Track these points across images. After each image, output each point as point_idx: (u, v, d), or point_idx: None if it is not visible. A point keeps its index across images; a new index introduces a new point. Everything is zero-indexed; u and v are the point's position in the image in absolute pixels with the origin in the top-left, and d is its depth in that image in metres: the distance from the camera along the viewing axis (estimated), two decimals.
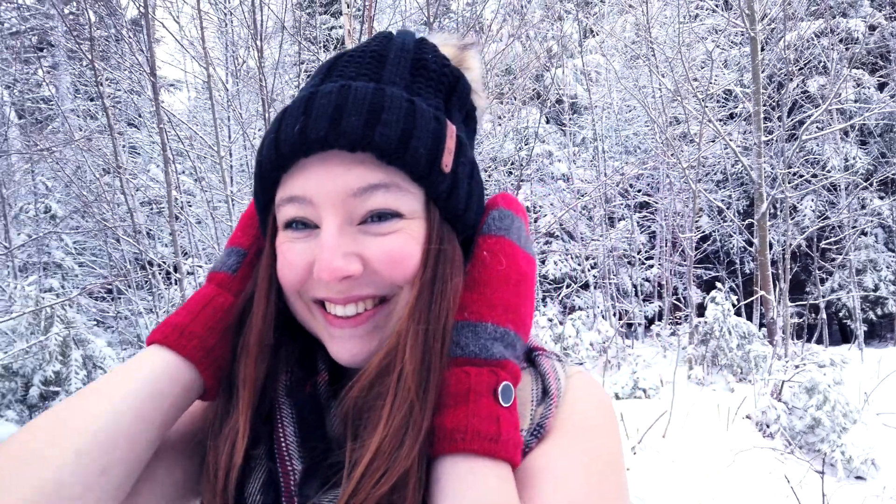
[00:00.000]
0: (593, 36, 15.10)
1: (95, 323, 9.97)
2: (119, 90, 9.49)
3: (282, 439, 0.69)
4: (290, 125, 0.65)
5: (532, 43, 15.27)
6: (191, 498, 0.74)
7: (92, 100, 11.88)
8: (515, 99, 13.16)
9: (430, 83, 0.71)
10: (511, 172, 11.82)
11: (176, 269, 9.55)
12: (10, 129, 11.17)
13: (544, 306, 13.37)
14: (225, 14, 8.19)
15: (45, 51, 13.23)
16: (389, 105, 0.65)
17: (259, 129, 9.81)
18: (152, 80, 6.12)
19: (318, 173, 0.65)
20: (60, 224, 8.57)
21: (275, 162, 0.66)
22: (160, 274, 7.68)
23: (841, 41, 13.10)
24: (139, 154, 10.98)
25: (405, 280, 0.66)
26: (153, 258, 7.21)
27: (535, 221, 13.05)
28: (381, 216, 0.66)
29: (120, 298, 9.16)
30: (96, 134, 9.28)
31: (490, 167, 12.77)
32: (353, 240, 0.65)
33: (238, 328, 0.72)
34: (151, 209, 10.06)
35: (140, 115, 9.77)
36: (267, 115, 6.90)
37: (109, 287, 8.80)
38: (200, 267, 8.47)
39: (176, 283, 9.60)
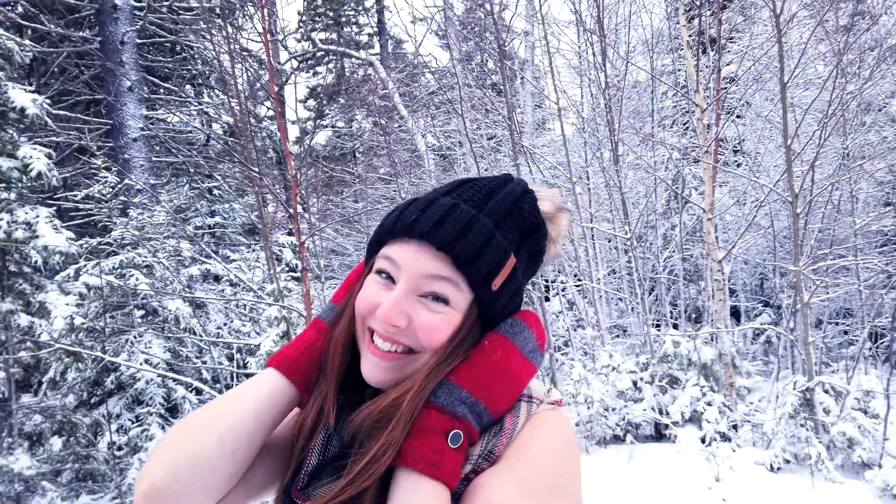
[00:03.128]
0: None
1: None
2: (497, 130, 10.95)
3: (313, 441, 0.96)
4: (411, 214, 0.92)
5: None
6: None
7: (492, 137, 13.89)
8: None
9: (516, 224, 0.95)
10: None
11: (547, 288, 10.45)
12: (430, 172, 13.83)
13: None
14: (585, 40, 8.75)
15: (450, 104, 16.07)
16: (477, 230, 0.90)
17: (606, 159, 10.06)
18: (510, 125, 6.99)
19: (411, 251, 0.90)
20: None
21: (390, 231, 0.94)
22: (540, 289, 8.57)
23: None
24: None
25: (430, 347, 0.90)
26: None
27: None
28: (436, 298, 0.90)
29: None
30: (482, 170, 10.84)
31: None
32: (410, 304, 0.90)
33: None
34: None
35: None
36: (615, 139, 7.15)
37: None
38: (566, 285, 9.14)
39: (547, 300, 10.50)
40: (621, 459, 6.46)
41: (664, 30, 9.93)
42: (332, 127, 23.82)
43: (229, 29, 6.19)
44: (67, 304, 6.05)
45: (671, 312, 10.11)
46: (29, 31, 10.02)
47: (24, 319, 6.31)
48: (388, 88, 15.79)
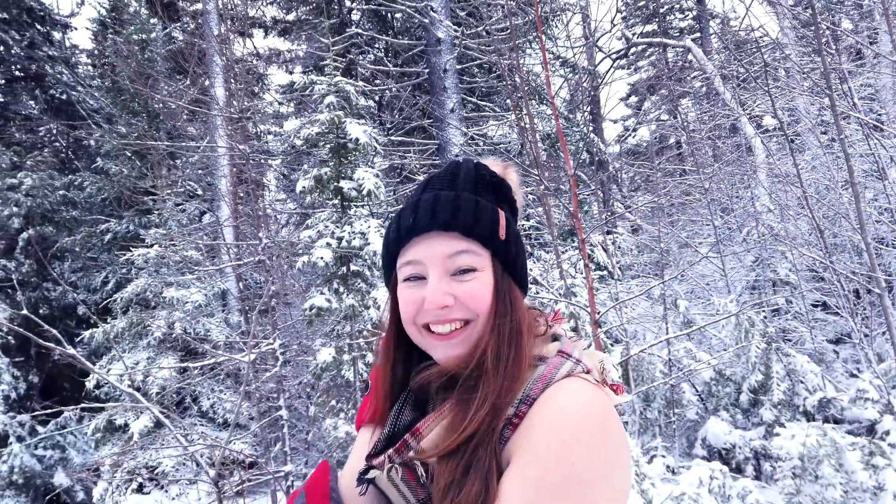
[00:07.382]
0: None
1: (835, 340, 9.83)
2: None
3: (388, 415, 1.10)
4: (406, 219, 1.06)
5: None
6: None
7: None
8: None
9: (486, 188, 1.12)
10: None
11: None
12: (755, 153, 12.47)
13: None
14: None
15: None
16: (464, 204, 1.05)
17: None
18: (829, 94, 5.98)
19: (425, 245, 1.04)
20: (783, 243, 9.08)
21: (399, 241, 1.07)
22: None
23: None
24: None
25: (481, 310, 1.02)
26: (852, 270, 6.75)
27: None
28: (465, 270, 1.03)
29: (860, 316, 8.78)
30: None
31: None
32: (448, 284, 1.02)
33: None
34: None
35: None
36: None
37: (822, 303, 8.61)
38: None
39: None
40: None
41: None
42: (658, 120, 23.01)
43: (543, 39, 6.56)
44: None
45: None
46: (368, 73, 11.98)
47: (373, 313, 7.62)
48: (709, 73, 14.65)
